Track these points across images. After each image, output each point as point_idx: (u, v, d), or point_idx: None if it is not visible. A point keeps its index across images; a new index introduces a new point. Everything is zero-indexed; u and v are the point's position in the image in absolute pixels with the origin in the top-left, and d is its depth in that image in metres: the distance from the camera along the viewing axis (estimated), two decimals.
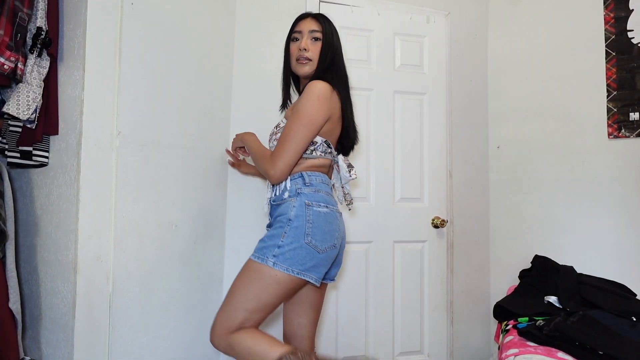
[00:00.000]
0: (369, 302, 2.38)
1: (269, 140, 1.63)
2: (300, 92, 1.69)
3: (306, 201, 1.46)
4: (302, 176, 1.51)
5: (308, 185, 1.49)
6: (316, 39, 1.57)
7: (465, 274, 2.56)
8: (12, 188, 1.59)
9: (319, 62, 1.56)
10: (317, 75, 1.56)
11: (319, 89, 1.47)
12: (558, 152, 2.46)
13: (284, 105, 1.73)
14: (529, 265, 2.41)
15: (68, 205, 1.52)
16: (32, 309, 1.61)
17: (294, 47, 1.60)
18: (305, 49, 1.55)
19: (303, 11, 2.35)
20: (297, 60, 1.57)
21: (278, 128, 1.58)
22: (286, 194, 1.48)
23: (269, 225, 1.56)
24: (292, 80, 1.71)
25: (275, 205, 1.52)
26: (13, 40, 1.42)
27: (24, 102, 1.46)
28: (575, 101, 2.41)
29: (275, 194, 1.53)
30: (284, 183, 1.52)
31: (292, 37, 1.62)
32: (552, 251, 2.40)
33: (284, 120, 1.58)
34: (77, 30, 1.54)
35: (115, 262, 1.59)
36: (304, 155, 1.52)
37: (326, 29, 1.59)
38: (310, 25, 1.58)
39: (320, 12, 1.61)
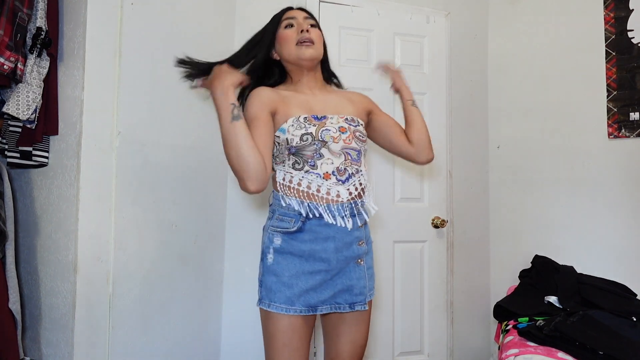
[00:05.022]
0: None
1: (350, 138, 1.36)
2: (284, 78, 1.49)
3: None
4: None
5: None
6: (312, 25, 1.45)
7: (465, 274, 2.56)
8: (12, 188, 1.59)
9: (323, 48, 1.46)
10: (321, 63, 1.48)
11: None
12: (558, 152, 2.46)
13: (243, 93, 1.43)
14: (529, 265, 2.41)
15: (68, 206, 1.52)
16: (32, 309, 1.61)
17: (289, 32, 1.42)
18: (307, 31, 1.40)
19: None
20: (301, 42, 1.38)
21: (357, 124, 1.39)
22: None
23: (363, 250, 1.36)
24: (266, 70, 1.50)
25: (366, 225, 1.39)
26: (13, 41, 1.42)
27: (23, 102, 1.46)
28: (575, 101, 2.41)
29: (368, 207, 1.39)
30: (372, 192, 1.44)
31: (284, 25, 1.44)
32: (552, 251, 2.40)
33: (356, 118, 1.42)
34: (77, 30, 1.54)
35: (115, 262, 1.59)
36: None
37: (317, 21, 1.51)
38: (302, 14, 1.47)
39: (308, 8, 1.56)
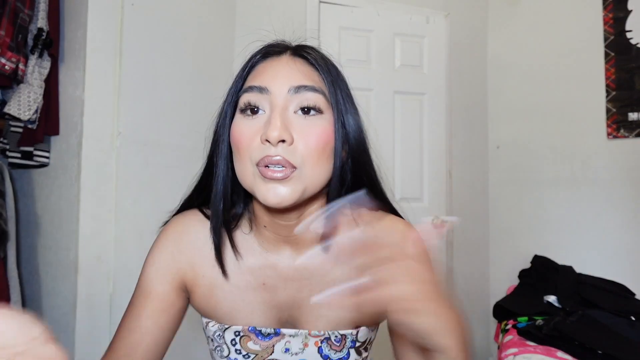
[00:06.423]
0: None
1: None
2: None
3: None
4: None
5: None
6: (308, 109, 0.64)
7: (465, 274, 2.57)
8: (13, 188, 1.59)
9: (323, 168, 0.65)
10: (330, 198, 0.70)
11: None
12: (558, 152, 2.46)
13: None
14: (528, 265, 2.41)
15: (69, 206, 1.52)
16: (33, 309, 1.62)
17: (246, 127, 0.66)
18: (282, 140, 0.61)
19: (303, 13, 2.35)
20: (260, 166, 0.62)
21: (343, 353, 0.71)
22: None
23: None
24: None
25: None
26: (14, 41, 1.42)
27: (24, 103, 1.46)
28: (574, 101, 2.42)
29: None
30: None
31: (242, 102, 0.67)
32: (552, 251, 2.40)
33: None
34: (78, 31, 1.55)
35: (116, 262, 1.59)
36: None
37: (330, 78, 0.67)
38: (290, 76, 0.65)
39: (308, 44, 0.71)
